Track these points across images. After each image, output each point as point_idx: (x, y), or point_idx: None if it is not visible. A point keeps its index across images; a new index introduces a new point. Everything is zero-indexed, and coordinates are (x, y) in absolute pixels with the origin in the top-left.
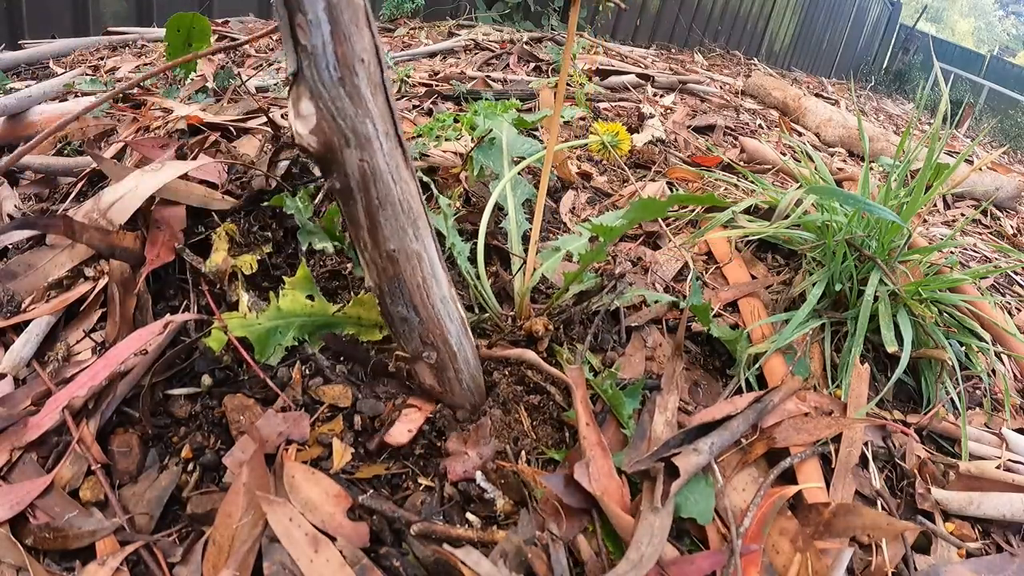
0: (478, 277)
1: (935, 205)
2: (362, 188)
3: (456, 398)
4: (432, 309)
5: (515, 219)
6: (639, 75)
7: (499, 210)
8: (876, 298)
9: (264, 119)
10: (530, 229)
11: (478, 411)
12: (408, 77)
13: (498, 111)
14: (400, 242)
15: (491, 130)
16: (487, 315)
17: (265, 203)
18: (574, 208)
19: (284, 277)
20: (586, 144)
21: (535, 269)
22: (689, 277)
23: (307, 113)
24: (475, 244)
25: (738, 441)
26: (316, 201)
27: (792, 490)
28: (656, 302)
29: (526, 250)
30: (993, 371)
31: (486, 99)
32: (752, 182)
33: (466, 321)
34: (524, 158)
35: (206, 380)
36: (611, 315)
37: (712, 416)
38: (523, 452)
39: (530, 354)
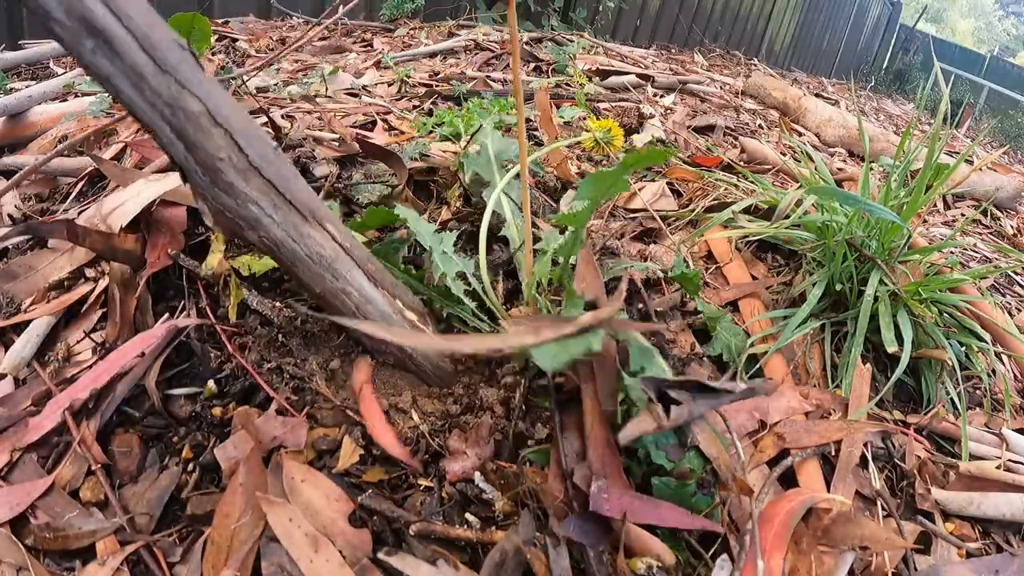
0: (484, 292)
1: (935, 205)
2: (272, 254)
3: (429, 379)
4: None
5: (515, 225)
6: (639, 75)
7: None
8: (876, 298)
9: (264, 119)
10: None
11: (452, 390)
12: (408, 77)
13: (494, 110)
14: (322, 286)
15: (481, 127)
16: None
17: None
18: (572, 208)
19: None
20: (579, 141)
21: (532, 273)
22: (678, 255)
23: (205, 210)
24: (477, 259)
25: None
26: None
27: (820, 496)
28: (645, 270)
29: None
30: (993, 371)
31: (486, 98)
32: (752, 182)
33: (422, 321)
34: (513, 161)
35: (211, 386)
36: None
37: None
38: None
39: None
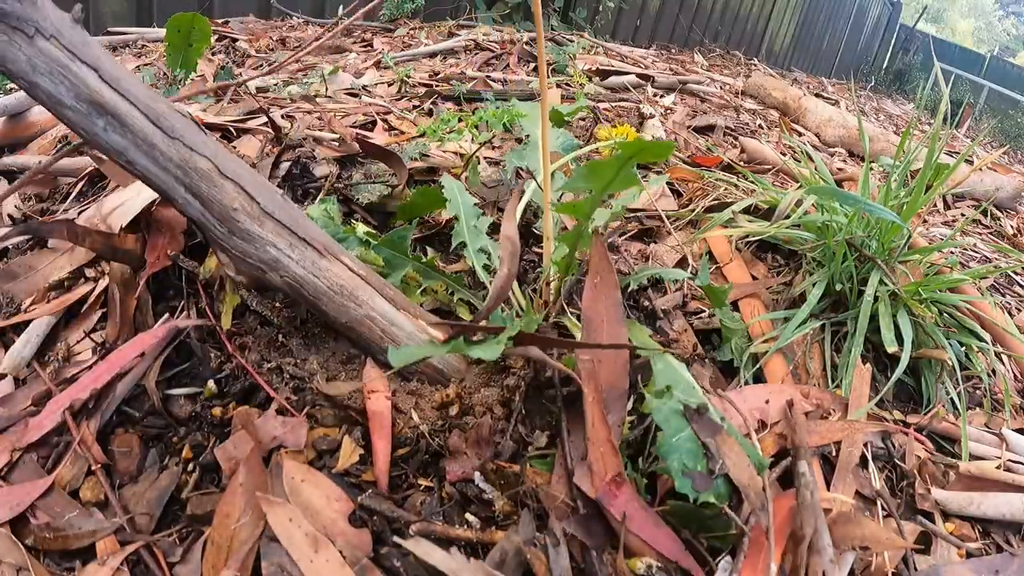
0: (511, 291)
1: (935, 205)
2: (296, 292)
3: (441, 376)
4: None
5: (552, 218)
6: (639, 75)
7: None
8: (876, 298)
9: (264, 119)
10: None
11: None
12: (408, 77)
13: (504, 113)
14: (347, 315)
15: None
16: (528, 318)
17: None
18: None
19: None
20: (607, 146)
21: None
22: (704, 267)
23: (227, 261)
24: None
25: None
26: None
27: (820, 495)
28: (674, 281)
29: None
30: (993, 371)
31: (486, 98)
32: (752, 182)
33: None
34: (559, 154)
35: (211, 386)
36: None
37: None
38: (526, 454)
39: (534, 351)
